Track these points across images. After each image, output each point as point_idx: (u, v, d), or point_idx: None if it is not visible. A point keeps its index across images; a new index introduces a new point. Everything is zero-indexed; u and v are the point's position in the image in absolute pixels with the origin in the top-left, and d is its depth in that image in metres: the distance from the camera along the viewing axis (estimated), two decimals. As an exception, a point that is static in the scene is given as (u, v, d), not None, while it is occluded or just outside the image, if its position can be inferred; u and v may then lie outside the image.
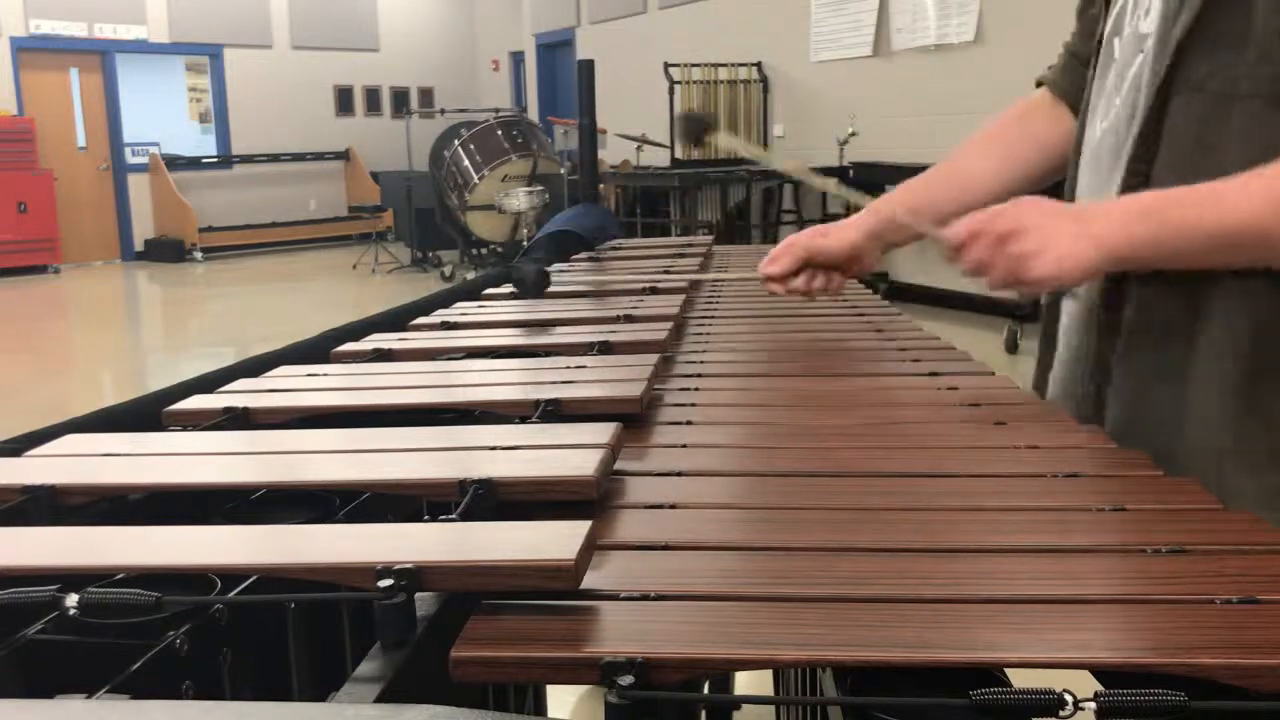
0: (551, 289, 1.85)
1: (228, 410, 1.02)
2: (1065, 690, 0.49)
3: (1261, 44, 0.91)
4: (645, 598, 0.60)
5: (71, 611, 0.57)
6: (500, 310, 1.66)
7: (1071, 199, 1.15)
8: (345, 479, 0.80)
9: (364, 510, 0.82)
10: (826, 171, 8.10)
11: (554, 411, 1.00)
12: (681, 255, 2.29)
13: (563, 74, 12.20)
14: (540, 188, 9.37)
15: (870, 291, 1.90)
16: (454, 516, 0.71)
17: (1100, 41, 1.14)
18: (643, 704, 0.51)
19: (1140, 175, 1.01)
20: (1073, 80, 1.26)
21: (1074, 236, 0.96)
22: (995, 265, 1.00)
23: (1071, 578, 0.64)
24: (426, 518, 0.79)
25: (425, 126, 12.54)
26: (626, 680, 0.51)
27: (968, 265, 1.03)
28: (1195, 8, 0.95)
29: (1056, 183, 1.27)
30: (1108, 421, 1.06)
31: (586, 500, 0.75)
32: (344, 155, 14.01)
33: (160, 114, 12.85)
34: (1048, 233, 0.97)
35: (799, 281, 1.34)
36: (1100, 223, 0.97)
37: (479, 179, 9.88)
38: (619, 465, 0.85)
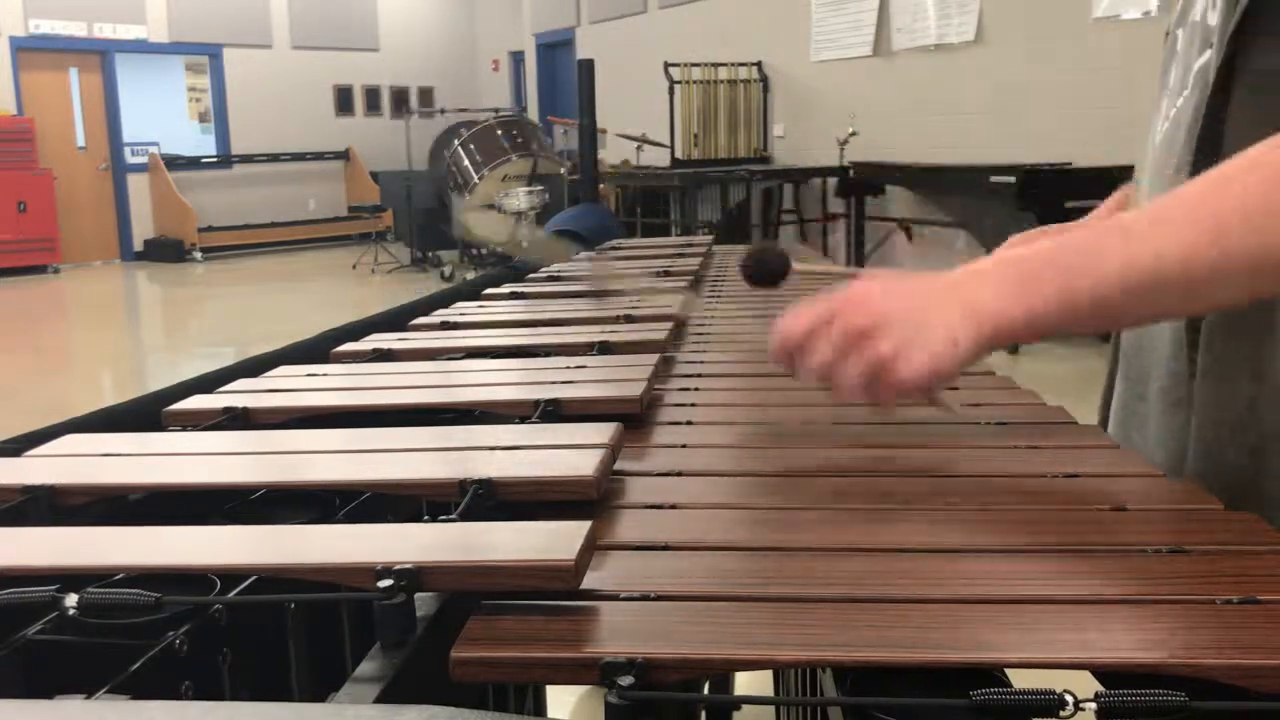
0: (551, 289, 1.85)
1: (228, 410, 1.02)
2: (1065, 690, 0.49)
3: None
4: (645, 598, 0.60)
5: (71, 611, 0.57)
6: (500, 310, 1.66)
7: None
8: (345, 479, 0.80)
9: (364, 510, 0.82)
10: (827, 172, 8.11)
11: (554, 411, 1.00)
12: (681, 255, 2.29)
13: (563, 74, 12.20)
14: (540, 188, 9.37)
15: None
16: (454, 516, 0.71)
17: (1167, 34, 1.01)
18: (643, 704, 0.51)
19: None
20: None
21: (947, 317, 0.77)
22: (848, 369, 0.79)
23: (1071, 578, 0.64)
24: (426, 518, 0.79)
25: (425, 126, 12.54)
26: (626, 680, 0.51)
27: (810, 370, 0.81)
28: None
29: None
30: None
31: (586, 500, 0.75)
32: (344, 155, 14.02)
33: (160, 114, 12.85)
34: (916, 321, 0.77)
35: None
36: (981, 290, 0.77)
37: (479, 179, 9.89)
38: (619, 465, 0.85)
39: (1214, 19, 0.89)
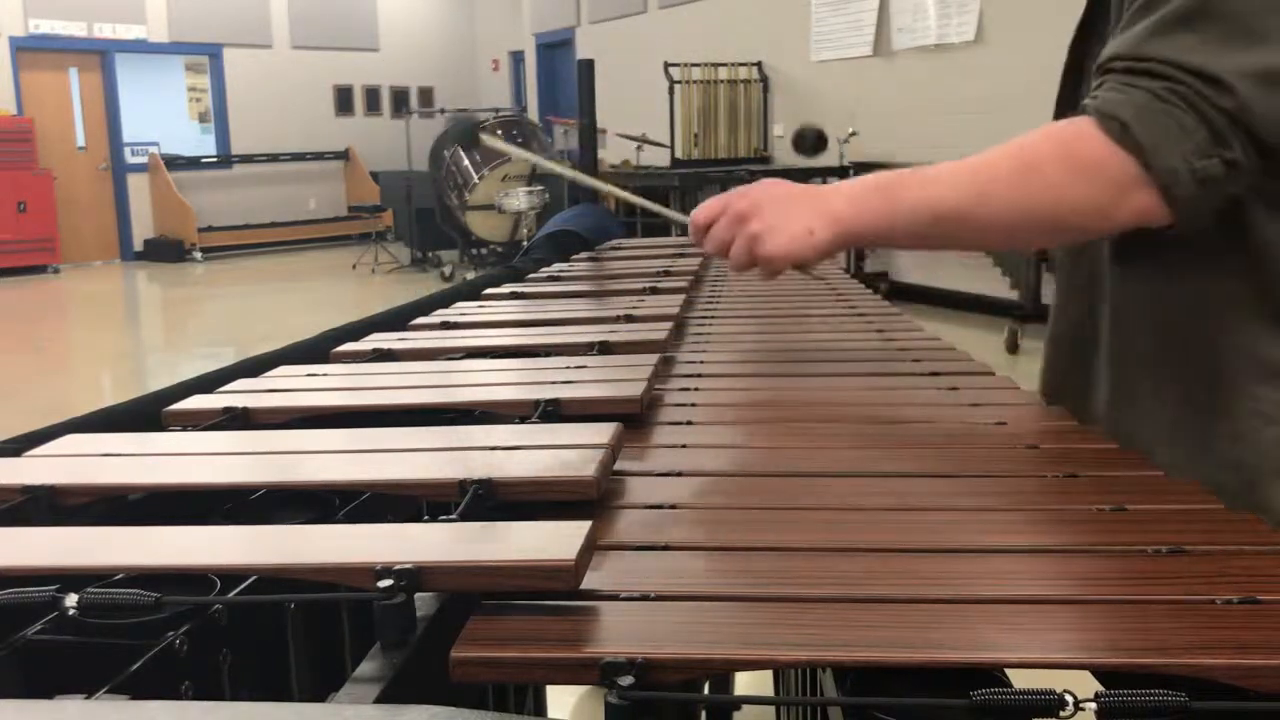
0: (551, 289, 1.85)
1: (228, 410, 1.02)
2: (1065, 690, 0.49)
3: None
4: (645, 598, 0.60)
5: (71, 612, 0.57)
6: (500, 310, 1.66)
7: None
8: (345, 479, 0.80)
9: (364, 510, 0.82)
10: (827, 172, 8.11)
11: (554, 411, 1.00)
12: (682, 255, 2.29)
13: (563, 74, 12.20)
14: (540, 188, 9.37)
15: (870, 291, 1.90)
16: (454, 516, 0.71)
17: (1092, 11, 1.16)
18: (643, 704, 0.51)
19: None
20: None
21: (809, 214, 0.98)
22: (734, 244, 1.02)
23: (1071, 578, 0.64)
24: (426, 518, 0.79)
25: (425, 126, 12.54)
26: (626, 680, 0.51)
27: (710, 246, 1.05)
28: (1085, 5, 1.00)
29: None
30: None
31: (586, 500, 0.75)
32: (344, 155, 14.01)
33: (160, 114, 12.85)
34: (782, 211, 1.00)
35: None
36: (836, 200, 0.99)
37: (479, 179, 9.89)
38: (619, 465, 0.85)
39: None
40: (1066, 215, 0.88)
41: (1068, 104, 1.02)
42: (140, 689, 0.56)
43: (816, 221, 0.98)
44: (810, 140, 1.74)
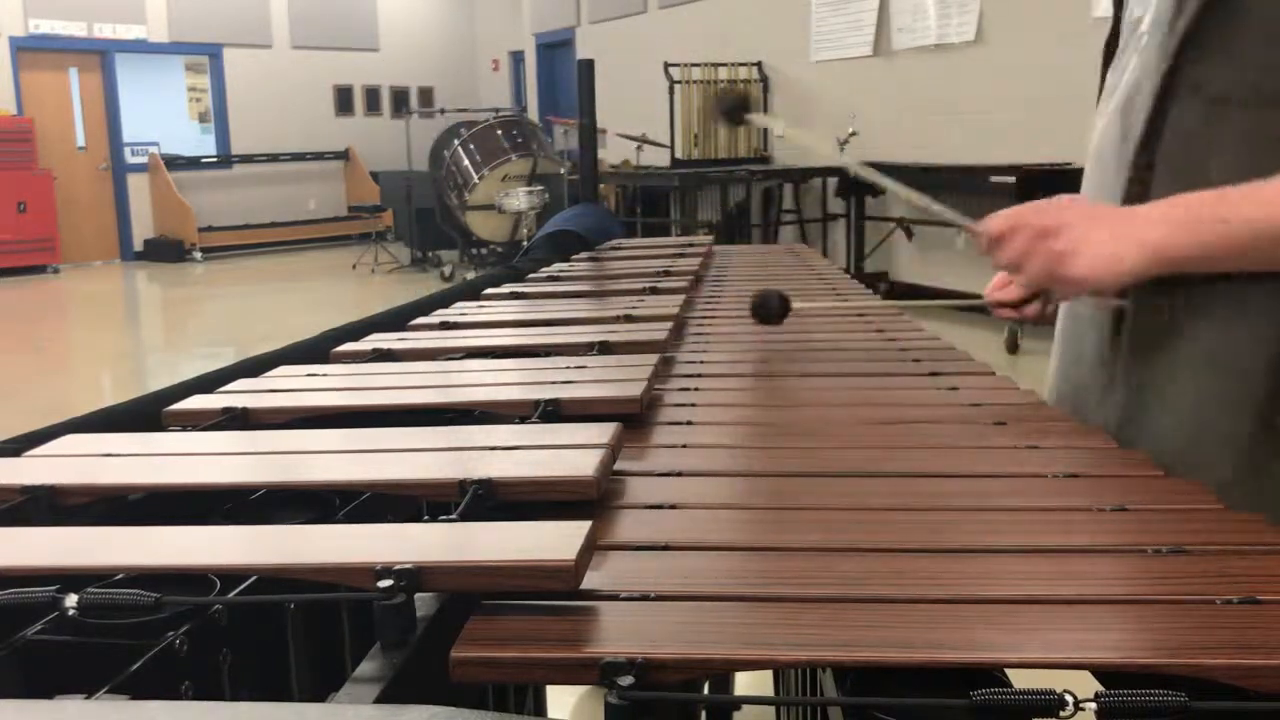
0: (551, 289, 1.85)
1: (227, 410, 1.02)
2: (1066, 690, 0.49)
3: (1256, 48, 0.90)
4: (645, 598, 0.60)
5: (71, 612, 0.57)
6: (500, 310, 1.66)
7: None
8: (345, 479, 0.80)
9: (364, 510, 0.82)
10: (827, 172, 8.11)
11: (554, 411, 1.00)
12: (682, 255, 2.29)
13: (563, 74, 12.20)
14: (540, 188, 9.37)
15: (870, 291, 1.90)
16: (454, 516, 0.71)
17: (1116, 29, 1.12)
18: (643, 704, 0.51)
19: (1142, 182, 0.99)
20: None
21: (1114, 237, 0.93)
22: (1032, 261, 0.96)
23: (1071, 578, 0.64)
24: (426, 518, 0.79)
25: (425, 126, 12.54)
26: (626, 680, 0.51)
27: (1004, 259, 0.99)
28: (1194, 11, 0.93)
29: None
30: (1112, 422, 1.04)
31: (586, 500, 0.75)
32: (344, 155, 14.01)
33: (160, 114, 12.84)
34: (1088, 232, 0.93)
35: (1034, 308, 1.21)
36: (1142, 224, 0.93)
37: (479, 179, 9.88)
38: (619, 465, 0.85)
39: (1139, 10, 1.01)
40: None
41: (1159, 111, 0.97)
42: (140, 689, 0.56)
43: (1126, 247, 0.92)
44: (729, 106, 1.60)
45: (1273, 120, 0.90)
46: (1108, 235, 0.93)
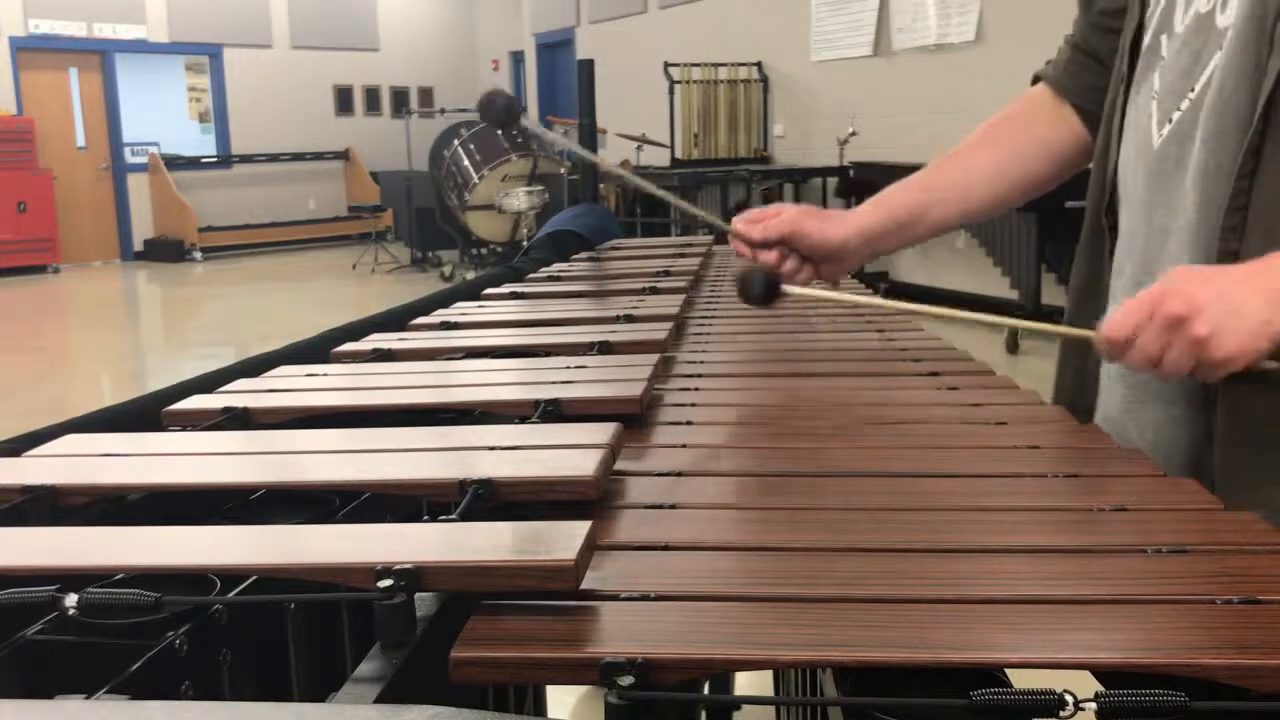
0: (551, 289, 1.85)
1: (227, 410, 1.02)
2: (1065, 690, 0.49)
3: None
4: (645, 598, 0.60)
5: (71, 611, 0.57)
6: (500, 310, 1.66)
7: (1115, 215, 1.06)
8: (345, 479, 0.80)
9: (364, 510, 0.82)
10: (827, 172, 8.11)
11: (554, 411, 1.00)
12: (682, 255, 2.29)
13: (563, 74, 12.20)
14: (540, 188, 9.37)
15: (870, 291, 1.90)
16: (454, 516, 0.71)
17: (1136, 39, 1.05)
18: (642, 704, 0.51)
19: (1244, 193, 0.90)
20: (1078, 78, 1.19)
21: (1260, 302, 0.84)
22: (1171, 355, 0.85)
23: (1071, 578, 0.64)
24: (426, 518, 0.79)
25: (425, 126, 12.54)
26: (626, 681, 0.51)
27: (1138, 361, 0.88)
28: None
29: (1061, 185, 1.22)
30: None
31: (586, 500, 0.75)
32: (344, 155, 14.01)
33: (160, 114, 12.85)
34: (1228, 304, 0.84)
35: (770, 256, 1.17)
36: None
37: (479, 179, 9.88)
38: (619, 465, 0.85)
39: (1222, 20, 0.92)
40: None
41: (1249, 161, 0.90)
42: (140, 689, 0.56)
43: (1270, 308, 0.83)
44: (500, 108, 1.44)
45: None
46: (1250, 300, 0.84)
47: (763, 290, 1.16)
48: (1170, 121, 0.99)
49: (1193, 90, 0.96)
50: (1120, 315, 0.88)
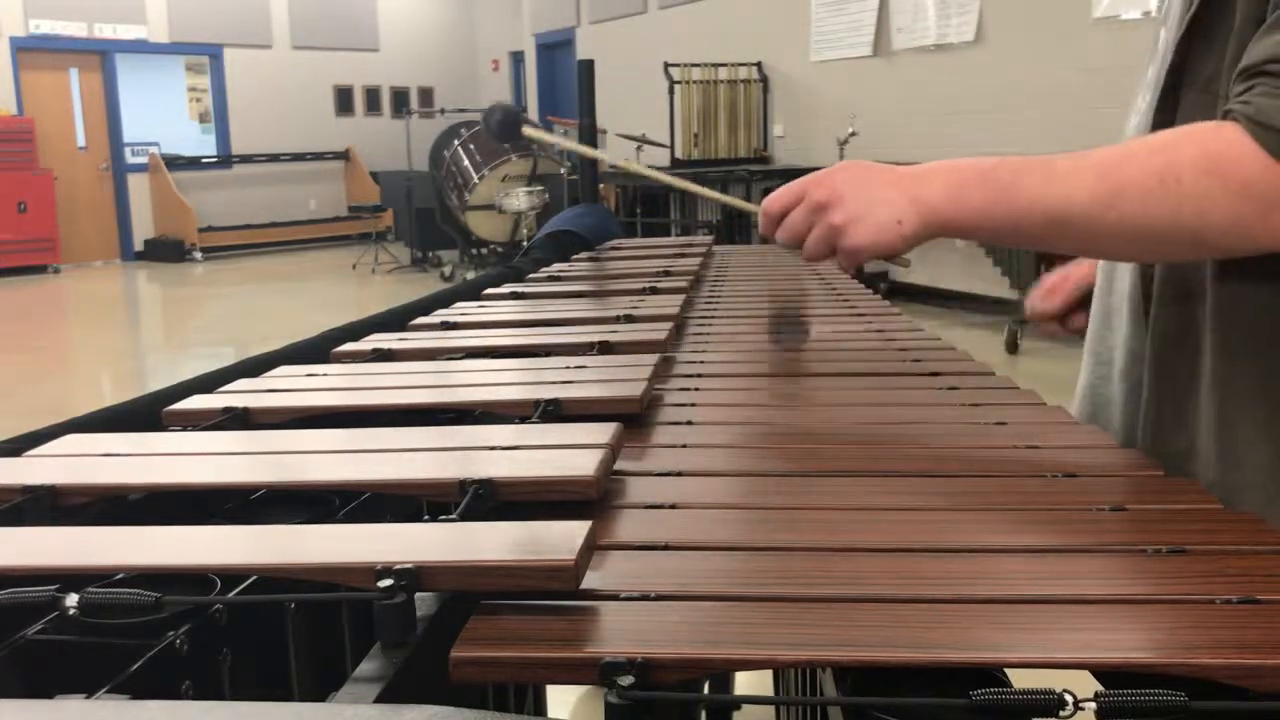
0: (551, 289, 1.85)
1: (227, 410, 1.02)
2: (1065, 690, 0.49)
3: (1238, 40, 0.83)
4: (645, 598, 0.60)
5: (71, 611, 0.57)
6: (500, 310, 1.66)
7: None
8: (345, 479, 0.80)
9: (364, 510, 0.82)
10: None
11: (554, 411, 1.00)
12: (682, 255, 2.29)
13: (563, 74, 12.20)
14: (540, 188, 9.37)
15: (870, 291, 1.90)
16: (454, 516, 0.71)
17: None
18: (642, 704, 0.51)
19: None
20: None
21: (897, 202, 0.89)
22: (811, 235, 0.93)
23: (1071, 578, 0.64)
24: (426, 518, 0.79)
25: (425, 126, 12.54)
26: (626, 680, 0.51)
27: (784, 236, 0.95)
28: (1198, 1, 0.87)
29: None
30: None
31: (586, 500, 0.75)
32: (344, 155, 14.01)
33: (160, 114, 12.84)
34: (867, 199, 0.90)
35: (1079, 320, 1.13)
36: (930, 188, 0.89)
37: (479, 179, 9.88)
38: (619, 465, 0.85)
39: (1169, 16, 0.95)
40: (1205, 232, 0.77)
41: (1166, 105, 0.91)
42: (140, 689, 0.56)
43: (906, 211, 0.88)
44: (496, 120, 1.40)
45: None
46: (889, 198, 0.90)
47: (500, 124, 1.22)
48: (1138, 111, 1.01)
49: (1141, 83, 0.99)
50: (778, 193, 0.96)
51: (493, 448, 0.85)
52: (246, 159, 13.24)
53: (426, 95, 14.45)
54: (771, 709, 1.57)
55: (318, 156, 13.84)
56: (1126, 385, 0.99)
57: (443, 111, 12.05)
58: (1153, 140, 0.83)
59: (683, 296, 1.72)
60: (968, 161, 0.90)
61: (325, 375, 1.21)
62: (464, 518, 0.71)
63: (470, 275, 8.64)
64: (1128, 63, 6.07)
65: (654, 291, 1.77)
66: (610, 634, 0.57)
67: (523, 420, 0.99)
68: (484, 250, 10.35)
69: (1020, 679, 0.53)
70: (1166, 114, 0.91)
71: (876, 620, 0.57)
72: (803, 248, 0.94)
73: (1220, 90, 0.85)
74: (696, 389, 1.17)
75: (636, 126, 9.00)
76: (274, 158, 13.46)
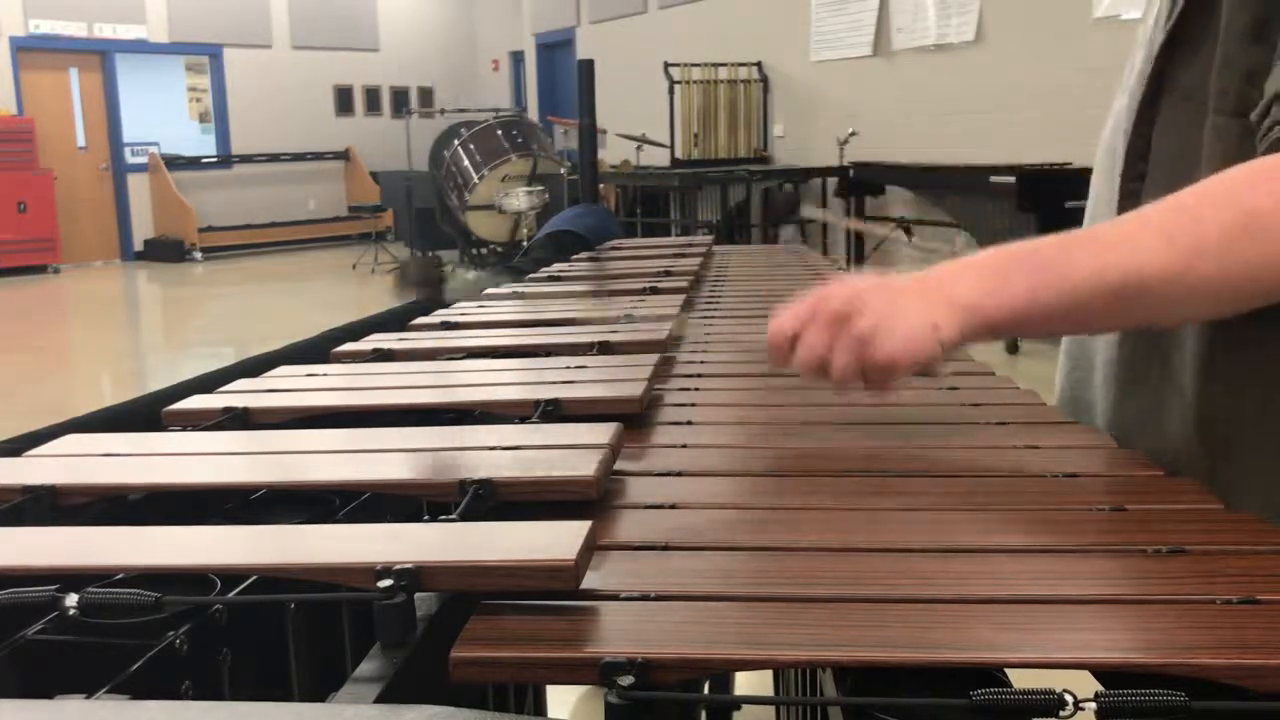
0: (551, 289, 1.85)
1: (227, 410, 1.02)
2: (1065, 690, 0.49)
3: (1225, 48, 0.81)
4: (645, 598, 0.60)
5: (71, 611, 0.57)
6: (500, 310, 1.66)
7: (1090, 204, 1.04)
8: (345, 479, 0.80)
9: (364, 510, 0.82)
10: (826, 172, 8.11)
11: (554, 411, 1.00)
12: (682, 255, 2.29)
13: (563, 74, 12.20)
14: (540, 188, 9.37)
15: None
16: (454, 516, 0.71)
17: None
18: (642, 704, 0.51)
19: (1133, 194, 0.90)
20: None
21: (927, 305, 0.80)
22: (835, 353, 0.82)
23: (1071, 578, 0.64)
24: (426, 518, 0.79)
25: (425, 126, 12.54)
26: (626, 680, 0.51)
27: (804, 360, 0.84)
28: (1178, 6, 0.85)
29: None
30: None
31: (586, 500, 0.75)
32: (344, 155, 14.02)
33: (160, 114, 12.85)
34: (892, 304, 0.81)
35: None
36: (961, 284, 0.80)
37: (479, 179, 9.89)
38: (619, 465, 0.85)
39: (1150, 21, 0.93)
40: None
41: (1146, 113, 0.89)
42: (140, 689, 0.56)
43: (942, 315, 0.79)
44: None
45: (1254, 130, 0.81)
46: (917, 302, 0.81)
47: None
48: (1112, 118, 1.00)
49: (1120, 86, 0.98)
50: (784, 314, 0.85)
51: (493, 448, 0.85)
52: (246, 159, 13.25)
53: (426, 95, 14.45)
54: (771, 709, 1.57)
55: (318, 156, 13.84)
56: (1106, 389, 0.99)
57: (443, 111, 12.05)
58: (1216, 185, 0.76)
59: (683, 296, 1.72)
60: (994, 252, 0.82)
61: (325, 375, 1.21)
62: (464, 518, 0.71)
63: (470, 275, 8.64)
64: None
65: (654, 291, 1.77)
66: (610, 634, 0.57)
67: (523, 420, 0.99)
68: (484, 250, 10.35)
69: (1020, 679, 0.53)
70: (1145, 122, 0.89)
71: (876, 620, 0.57)
72: (830, 372, 0.83)
73: (1206, 100, 0.83)
74: (696, 389, 1.17)
75: (636, 126, 9.00)
76: (274, 158, 13.46)
